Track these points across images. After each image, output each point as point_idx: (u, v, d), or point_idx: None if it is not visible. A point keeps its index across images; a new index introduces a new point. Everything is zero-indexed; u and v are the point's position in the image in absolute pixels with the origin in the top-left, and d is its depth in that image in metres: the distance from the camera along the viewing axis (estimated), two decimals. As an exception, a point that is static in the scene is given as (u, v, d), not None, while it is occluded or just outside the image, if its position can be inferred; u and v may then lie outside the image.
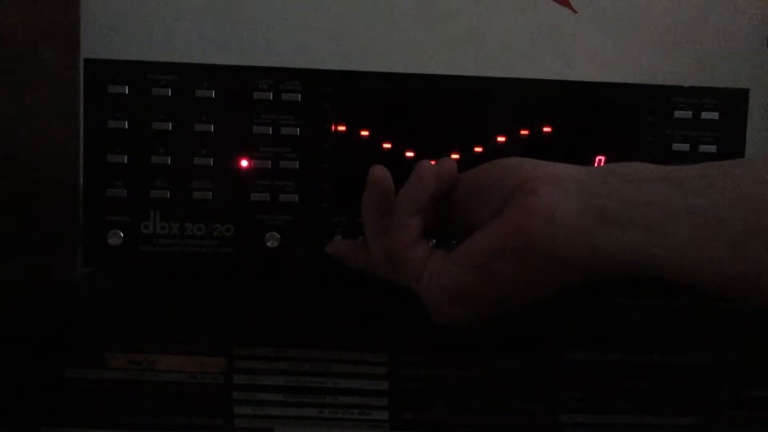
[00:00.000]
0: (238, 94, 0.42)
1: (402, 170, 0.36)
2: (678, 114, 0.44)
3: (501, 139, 0.44)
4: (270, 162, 0.43)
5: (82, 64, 0.43)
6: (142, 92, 0.42)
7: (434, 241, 0.41)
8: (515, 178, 0.33)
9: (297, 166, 0.43)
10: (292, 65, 0.43)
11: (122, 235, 0.42)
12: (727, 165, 0.30)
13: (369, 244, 0.38)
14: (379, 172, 0.36)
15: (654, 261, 0.29)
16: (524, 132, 0.44)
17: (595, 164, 0.44)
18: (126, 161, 0.42)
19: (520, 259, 0.31)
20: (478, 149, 0.44)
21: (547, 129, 0.44)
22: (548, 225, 0.30)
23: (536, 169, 0.33)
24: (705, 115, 0.44)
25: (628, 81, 0.45)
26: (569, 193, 0.31)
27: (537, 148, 0.44)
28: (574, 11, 0.71)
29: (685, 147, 0.44)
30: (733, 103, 0.44)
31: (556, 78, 0.44)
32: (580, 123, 0.45)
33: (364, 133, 0.44)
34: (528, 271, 0.32)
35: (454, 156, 0.44)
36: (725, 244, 0.28)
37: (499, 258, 0.32)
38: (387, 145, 0.44)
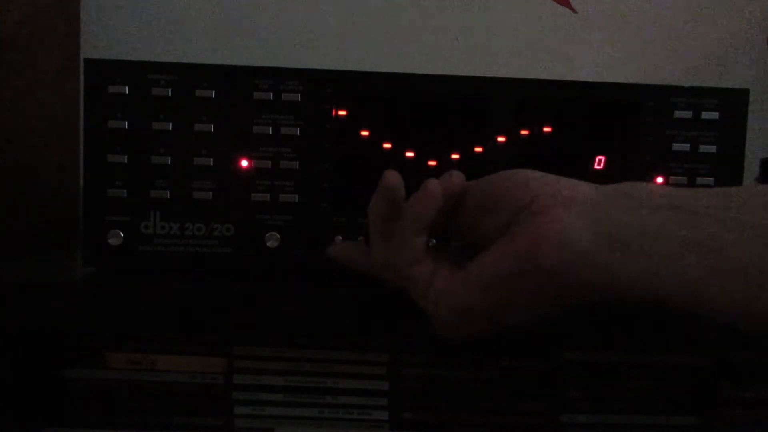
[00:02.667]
0: (238, 94, 0.42)
1: (402, 170, 0.36)
2: (678, 114, 0.44)
3: (501, 139, 0.44)
4: (270, 162, 0.43)
5: (82, 64, 0.43)
6: (142, 92, 0.42)
7: (434, 240, 0.40)
8: (525, 195, 0.32)
9: (297, 166, 0.43)
10: (292, 65, 0.43)
11: (122, 235, 0.42)
12: (743, 195, 0.29)
13: (372, 248, 0.37)
14: (393, 179, 0.35)
15: (666, 291, 0.29)
16: (524, 132, 0.44)
17: (595, 164, 0.44)
18: (126, 161, 0.42)
19: (528, 281, 0.31)
20: (478, 149, 0.44)
21: (547, 129, 0.44)
22: (558, 249, 0.30)
23: (546, 186, 0.32)
24: (705, 115, 0.44)
25: (628, 81, 0.45)
26: (580, 216, 0.30)
27: (537, 148, 0.44)
28: (574, 11, 0.71)
29: (685, 147, 0.44)
30: (733, 103, 0.44)
31: (556, 78, 0.44)
32: (580, 123, 0.45)
33: (364, 133, 0.44)
34: (536, 293, 0.31)
35: (454, 156, 0.44)
36: (739, 278, 0.27)
37: (507, 280, 0.31)
38: (387, 145, 0.44)
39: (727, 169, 0.44)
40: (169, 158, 0.42)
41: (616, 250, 0.29)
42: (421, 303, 0.35)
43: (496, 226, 0.33)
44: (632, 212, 0.30)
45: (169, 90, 0.42)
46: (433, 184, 0.34)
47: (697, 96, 0.44)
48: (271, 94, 0.42)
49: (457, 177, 0.36)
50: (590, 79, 0.45)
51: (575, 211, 0.30)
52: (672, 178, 0.44)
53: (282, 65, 0.43)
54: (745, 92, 0.44)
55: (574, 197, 0.31)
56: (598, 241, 0.30)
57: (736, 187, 0.31)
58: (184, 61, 0.42)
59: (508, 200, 0.33)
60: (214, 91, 0.42)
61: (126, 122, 0.42)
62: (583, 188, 0.32)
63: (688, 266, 0.28)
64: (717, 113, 0.44)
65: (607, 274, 0.29)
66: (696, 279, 0.28)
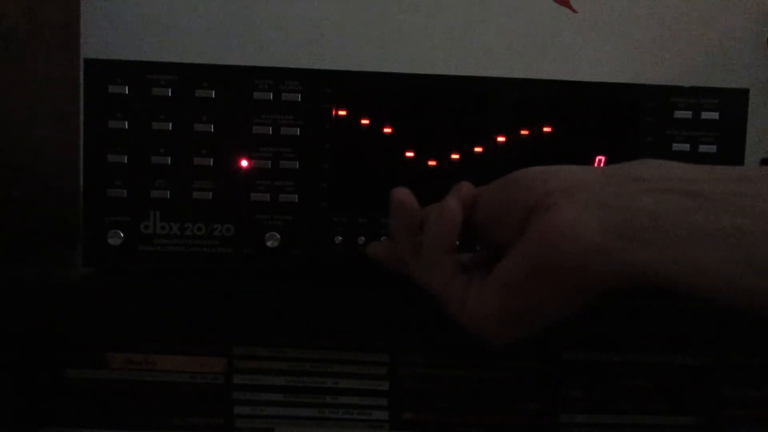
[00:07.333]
0: (238, 94, 0.42)
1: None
2: (678, 114, 0.44)
3: (501, 139, 0.44)
4: (270, 162, 0.43)
5: (82, 64, 0.43)
6: (142, 92, 0.42)
7: (478, 247, 0.40)
8: (534, 194, 0.32)
9: (297, 166, 0.43)
10: (292, 65, 0.43)
11: (122, 235, 0.42)
12: (759, 181, 0.29)
13: (407, 261, 0.37)
14: (401, 196, 0.35)
15: (683, 279, 0.28)
16: (524, 132, 0.44)
17: (595, 164, 0.44)
18: (126, 161, 0.42)
19: (549, 278, 0.31)
20: (478, 149, 0.44)
21: (547, 129, 0.44)
22: (568, 243, 0.29)
23: (553, 181, 0.32)
24: (705, 115, 0.44)
25: (628, 81, 0.45)
26: (588, 207, 0.30)
27: (537, 148, 0.44)
28: (574, 11, 0.71)
29: (685, 147, 0.44)
30: (733, 103, 0.44)
31: (556, 78, 0.44)
32: (580, 123, 0.45)
33: (364, 133, 0.44)
34: (561, 289, 0.31)
35: (454, 156, 0.44)
36: (756, 267, 0.27)
37: (530, 280, 0.31)
38: (387, 145, 0.44)
39: (727, 169, 0.44)
40: (169, 158, 0.42)
41: (628, 239, 0.29)
42: (460, 320, 0.35)
43: (513, 231, 0.33)
44: (643, 196, 0.29)
45: (169, 90, 0.42)
46: (451, 203, 0.34)
47: (697, 96, 0.44)
48: (271, 94, 0.42)
49: (466, 188, 0.36)
50: (590, 79, 0.45)
51: (584, 203, 0.30)
52: (672, 178, 0.44)
53: (282, 65, 0.43)
54: (745, 92, 0.44)
55: (581, 187, 0.31)
56: (608, 231, 0.29)
57: (753, 169, 0.30)
58: (184, 61, 0.42)
59: (520, 203, 0.33)
60: (214, 91, 0.42)
61: (126, 122, 0.42)
62: (592, 176, 0.32)
63: (705, 254, 0.28)
64: (717, 113, 0.44)
65: (620, 263, 0.29)
66: (714, 267, 0.28)
